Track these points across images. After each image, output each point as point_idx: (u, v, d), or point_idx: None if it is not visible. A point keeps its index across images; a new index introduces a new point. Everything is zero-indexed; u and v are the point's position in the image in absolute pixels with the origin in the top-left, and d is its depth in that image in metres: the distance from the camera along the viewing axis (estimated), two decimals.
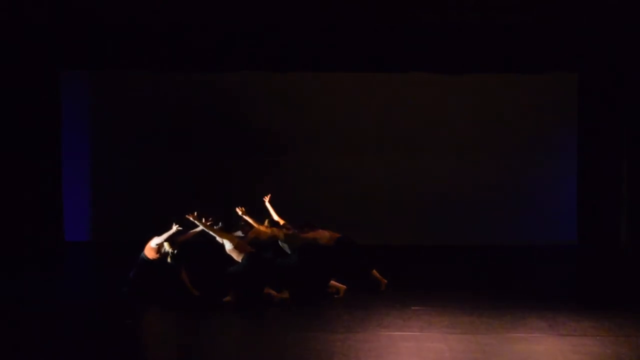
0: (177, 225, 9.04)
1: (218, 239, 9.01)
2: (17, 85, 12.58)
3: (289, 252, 9.38)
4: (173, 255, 9.10)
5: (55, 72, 12.97)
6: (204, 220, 8.97)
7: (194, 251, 9.60)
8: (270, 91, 13.49)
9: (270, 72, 13.11)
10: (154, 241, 9.10)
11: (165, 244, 9.09)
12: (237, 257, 8.96)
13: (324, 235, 9.61)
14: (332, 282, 9.33)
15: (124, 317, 8.27)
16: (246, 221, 9.43)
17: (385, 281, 9.61)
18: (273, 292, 8.96)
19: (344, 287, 9.31)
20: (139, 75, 13.39)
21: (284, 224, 9.55)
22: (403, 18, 12.02)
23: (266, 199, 9.93)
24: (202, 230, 9.12)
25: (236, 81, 13.39)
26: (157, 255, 9.11)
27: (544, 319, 8.07)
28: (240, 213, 9.44)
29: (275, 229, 9.40)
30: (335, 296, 9.19)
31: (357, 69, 13.00)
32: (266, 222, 9.49)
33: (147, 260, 9.14)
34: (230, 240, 8.98)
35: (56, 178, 13.14)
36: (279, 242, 9.46)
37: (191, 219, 8.93)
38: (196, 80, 13.36)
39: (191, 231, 9.31)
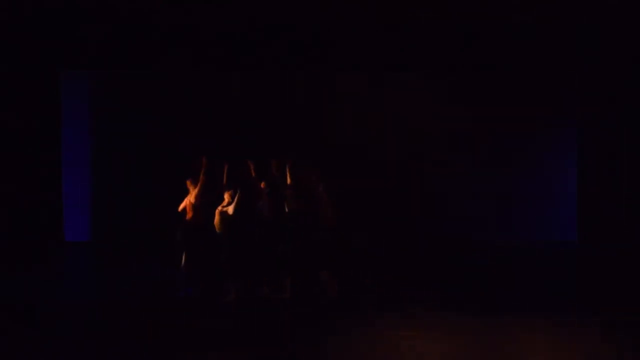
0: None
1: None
2: (17, 85, 12.60)
3: (289, 208, 9.28)
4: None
5: (55, 72, 12.98)
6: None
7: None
8: (268, 90, 13.50)
9: (263, 72, 13.17)
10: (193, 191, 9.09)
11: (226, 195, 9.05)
12: (217, 222, 8.92)
13: (327, 210, 9.48)
14: (325, 276, 9.26)
15: (123, 318, 8.29)
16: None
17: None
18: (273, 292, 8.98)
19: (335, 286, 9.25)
20: (139, 75, 13.40)
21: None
22: (403, 18, 12.05)
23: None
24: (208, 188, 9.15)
25: (237, 80, 13.42)
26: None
27: (544, 319, 8.06)
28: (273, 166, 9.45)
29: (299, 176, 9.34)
30: (333, 295, 9.17)
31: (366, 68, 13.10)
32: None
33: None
34: (228, 202, 8.96)
35: (56, 178, 13.15)
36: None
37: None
38: (197, 79, 13.38)
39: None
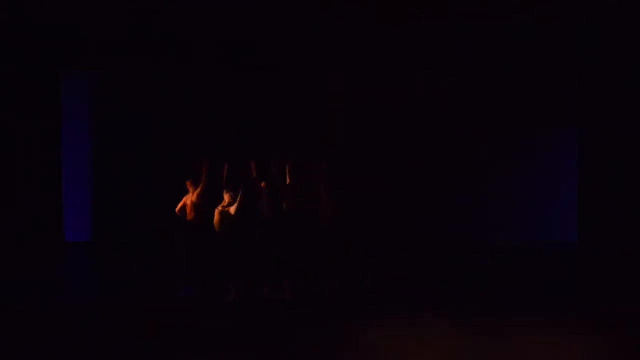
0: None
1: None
2: (17, 85, 12.60)
3: (289, 208, 9.25)
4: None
5: (55, 72, 12.98)
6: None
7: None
8: (268, 90, 13.50)
9: (263, 72, 13.19)
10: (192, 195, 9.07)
11: (226, 196, 9.00)
12: (216, 221, 8.90)
13: (327, 210, 9.48)
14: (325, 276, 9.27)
15: (123, 318, 8.28)
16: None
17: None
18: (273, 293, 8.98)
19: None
20: (139, 75, 13.40)
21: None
22: (403, 18, 12.06)
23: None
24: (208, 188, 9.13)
25: (237, 80, 13.42)
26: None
27: (544, 319, 8.06)
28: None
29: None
30: (333, 295, 9.18)
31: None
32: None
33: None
34: (228, 202, 8.93)
35: (56, 178, 13.15)
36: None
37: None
38: (197, 80, 13.38)
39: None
